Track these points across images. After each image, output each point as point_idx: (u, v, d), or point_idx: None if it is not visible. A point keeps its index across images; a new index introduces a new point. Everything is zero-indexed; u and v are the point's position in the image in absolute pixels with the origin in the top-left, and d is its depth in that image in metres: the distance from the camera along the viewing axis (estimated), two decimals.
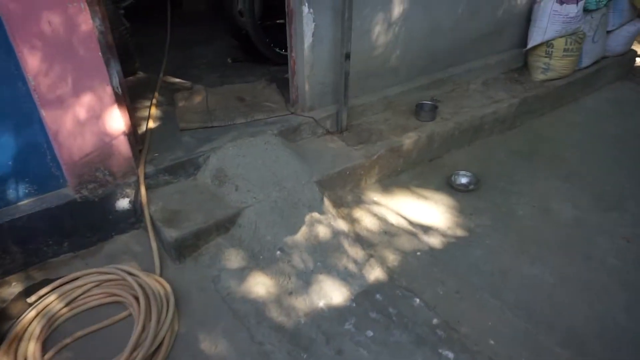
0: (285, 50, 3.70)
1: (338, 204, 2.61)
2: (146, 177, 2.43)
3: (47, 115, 2.01)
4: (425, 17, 3.12)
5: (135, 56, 3.56)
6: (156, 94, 3.24)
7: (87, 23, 1.92)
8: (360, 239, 2.41)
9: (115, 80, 2.23)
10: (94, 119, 2.13)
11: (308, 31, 2.63)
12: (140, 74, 3.69)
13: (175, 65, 3.84)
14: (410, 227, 2.52)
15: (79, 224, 2.34)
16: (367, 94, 3.11)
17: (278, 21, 3.95)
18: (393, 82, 3.23)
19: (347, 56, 2.63)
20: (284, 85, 3.27)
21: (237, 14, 4.32)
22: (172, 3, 5.39)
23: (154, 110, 3.01)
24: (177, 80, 3.55)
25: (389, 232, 2.48)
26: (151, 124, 2.84)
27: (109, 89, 2.11)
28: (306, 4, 2.54)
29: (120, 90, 2.26)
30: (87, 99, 2.07)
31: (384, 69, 3.13)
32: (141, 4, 4.75)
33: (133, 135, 2.44)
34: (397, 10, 2.94)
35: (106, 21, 2.13)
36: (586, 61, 3.88)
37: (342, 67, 2.67)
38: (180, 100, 3.11)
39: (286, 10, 2.68)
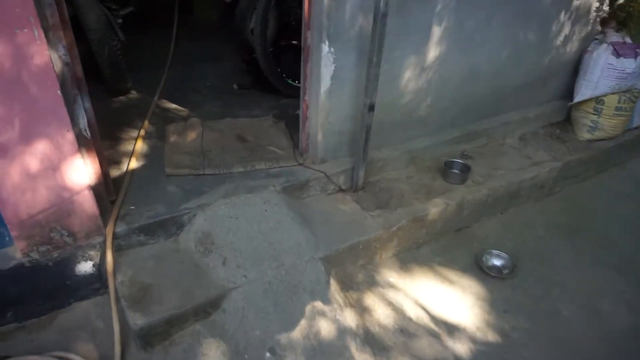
0: (299, 82, 3.28)
1: (346, 285, 2.15)
2: (116, 237, 1.98)
3: None
4: (463, 61, 2.68)
5: (127, 75, 3.13)
6: (146, 123, 2.81)
7: (42, 55, 1.49)
8: (370, 339, 1.94)
9: (83, 122, 1.79)
10: (50, 171, 1.69)
11: (326, 73, 2.19)
12: (133, 94, 3.26)
13: (173, 87, 3.41)
14: (432, 325, 2.05)
15: (26, 291, 1.89)
16: (389, 146, 2.66)
17: (294, 42, 3.52)
18: (419, 134, 2.78)
19: (372, 107, 2.19)
20: (293, 124, 2.83)
21: (249, 33, 3.91)
22: (182, 9, 5.00)
23: (139, 145, 2.57)
24: (173, 106, 3.12)
25: (406, 330, 2.01)
26: (133, 164, 2.40)
27: (69, 136, 1.66)
28: (326, 42, 2.10)
29: (89, 132, 1.82)
30: (40, 147, 1.62)
31: (411, 119, 2.68)
32: (145, 11, 4.35)
33: (104, 184, 2.00)
34: (432, 53, 2.50)
35: (74, 49, 1.70)
36: (637, 121, 3.42)
37: (364, 119, 2.22)
38: (171, 135, 2.67)
39: (302, 45, 2.25)
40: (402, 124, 2.66)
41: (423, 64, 2.50)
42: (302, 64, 2.30)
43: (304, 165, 2.46)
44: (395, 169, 2.70)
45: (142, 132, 2.69)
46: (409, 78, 2.50)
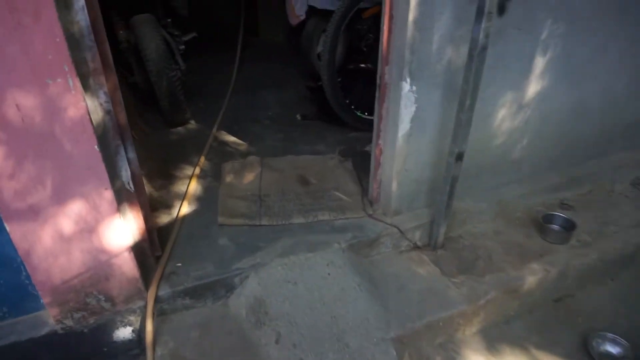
0: (369, 114, 2.96)
1: None
2: (159, 300, 1.75)
3: (14, 231, 1.37)
4: (570, 96, 2.24)
5: (186, 106, 2.96)
6: (202, 159, 2.60)
7: (77, 107, 1.27)
8: None
9: (126, 174, 1.57)
10: (85, 233, 1.48)
11: (406, 115, 1.85)
12: (192, 125, 3.09)
13: (234, 116, 3.22)
14: None
15: (59, 358, 1.70)
16: (474, 194, 2.26)
17: (362, 65, 3.22)
18: (511, 180, 2.36)
19: (460, 157, 1.81)
20: (362, 162, 2.53)
21: (316, 57, 3.66)
22: (247, 31, 4.87)
23: (193, 185, 2.36)
24: (232, 139, 2.90)
25: None
26: (185, 208, 2.18)
27: (107, 194, 1.44)
28: (408, 80, 1.77)
29: (132, 185, 1.60)
30: (74, 208, 1.41)
31: (503, 163, 2.27)
32: (209, 34, 4.23)
33: (148, 241, 1.77)
34: (533, 87, 2.09)
35: (117, 94, 1.48)
36: None
37: (450, 169, 1.86)
38: (227, 174, 2.43)
39: (377, 82, 1.93)
40: (491, 168, 2.25)
41: (521, 100, 2.10)
42: (376, 102, 1.97)
43: (373, 217, 2.13)
44: (481, 222, 2.29)
45: (197, 170, 2.49)
46: (504, 117, 2.10)
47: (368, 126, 2.91)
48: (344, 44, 3.10)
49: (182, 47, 3.20)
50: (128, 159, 1.57)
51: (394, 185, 2.04)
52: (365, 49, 2.97)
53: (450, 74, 1.83)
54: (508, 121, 2.13)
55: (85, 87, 1.34)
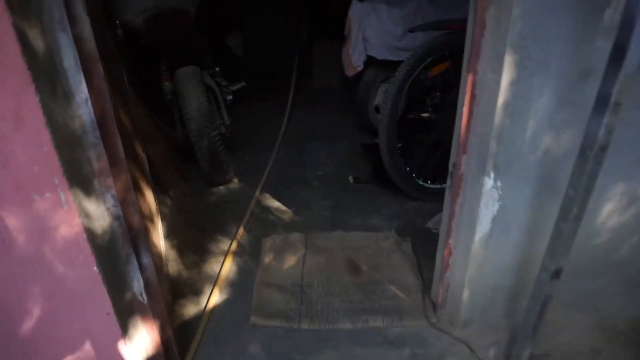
0: (432, 182, 2.59)
1: None
2: None
3: None
4: None
5: (228, 166, 2.70)
6: (240, 231, 2.32)
7: (70, 224, 1.01)
8: None
9: (139, 285, 1.29)
10: None
11: (486, 215, 1.47)
12: (234, 184, 2.84)
13: (280, 175, 2.94)
14: None
15: None
16: (566, 301, 1.81)
17: (423, 114, 2.85)
18: (614, 284, 1.89)
19: (557, 274, 1.40)
20: (423, 243, 2.18)
21: (373, 109, 3.36)
22: (301, 74, 4.65)
23: (227, 266, 2.08)
24: (276, 204, 2.61)
25: None
26: (215, 298, 1.89)
27: (110, 319, 1.17)
28: (491, 175, 1.40)
29: (145, 297, 1.32)
30: (68, 338, 1.15)
31: (604, 265, 1.82)
32: (261, 76, 4.02)
33: (165, 355, 1.48)
34: None
35: (129, 195, 1.21)
36: None
37: (542, 288, 1.44)
38: (267, 254, 2.13)
39: (450, 169, 1.56)
40: (589, 271, 1.81)
41: (634, 191, 1.66)
42: (447, 193, 1.61)
43: (437, 327, 1.73)
44: (575, 337, 1.83)
45: (234, 245, 2.20)
46: (610, 212, 1.67)
47: (429, 196, 2.54)
48: (405, 99, 2.76)
49: (230, 97, 2.99)
50: (141, 266, 1.30)
51: (466, 293, 1.65)
52: (430, 110, 2.61)
53: (546, 166, 1.44)
54: (616, 216, 1.69)
55: (89, 191, 1.08)
